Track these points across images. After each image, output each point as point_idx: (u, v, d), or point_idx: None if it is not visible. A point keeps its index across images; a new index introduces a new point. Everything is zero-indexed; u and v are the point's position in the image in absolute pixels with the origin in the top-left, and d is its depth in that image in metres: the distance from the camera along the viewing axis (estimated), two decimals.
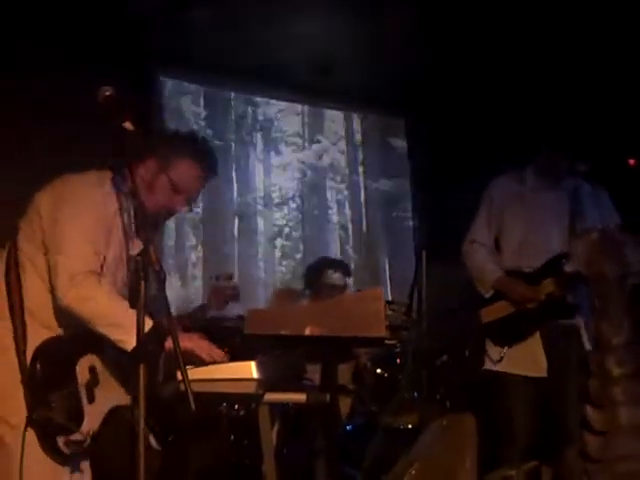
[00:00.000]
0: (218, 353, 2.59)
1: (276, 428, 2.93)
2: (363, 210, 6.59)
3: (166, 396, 2.48)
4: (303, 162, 6.34)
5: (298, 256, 6.16)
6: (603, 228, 3.39)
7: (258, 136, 6.17)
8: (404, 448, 2.98)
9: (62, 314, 2.42)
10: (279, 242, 6.12)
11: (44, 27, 4.74)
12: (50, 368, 2.37)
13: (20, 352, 2.37)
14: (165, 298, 2.19)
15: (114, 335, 2.34)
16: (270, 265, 6.07)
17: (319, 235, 6.34)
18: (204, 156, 2.72)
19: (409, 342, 4.25)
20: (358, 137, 6.69)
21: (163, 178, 2.60)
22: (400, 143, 6.75)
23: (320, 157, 6.44)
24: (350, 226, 6.52)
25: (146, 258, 2.15)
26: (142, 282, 2.14)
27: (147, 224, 2.32)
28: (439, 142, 6.11)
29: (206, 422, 3.78)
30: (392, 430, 3.95)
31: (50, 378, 2.36)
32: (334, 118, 6.60)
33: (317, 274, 4.74)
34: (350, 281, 4.92)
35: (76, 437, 2.36)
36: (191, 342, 2.54)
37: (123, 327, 2.28)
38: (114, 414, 2.51)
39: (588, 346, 3.58)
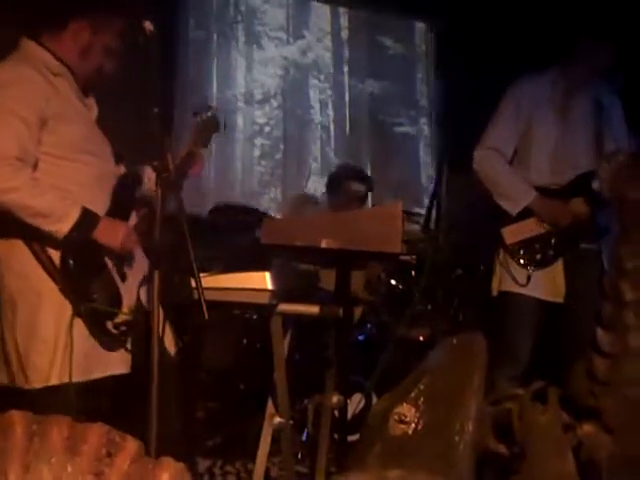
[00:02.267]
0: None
1: (288, 336, 2.95)
2: (347, 111, 6.34)
3: (180, 300, 2.51)
4: (286, 58, 6.09)
5: (278, 156, 6.00)
6: (633, 151, 3.28)
7: (239, 28, 5.90)
8: (415, 360, 3.01)
9: None
10: (258, 141, 5.95)
11: None
12: (82, 260, 2.40)
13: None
14: (181, 203, 2.18)
15: (44, 225, 2.31)
16: (248, 164, 5.92)
17: (300, 135, 6.15)
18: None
19: (425, 255, 4.24)
20: (345, 34, 6.36)
21: (97, 46, 2.51)
22: (390, 43, 6.44)
23: (304, 53, 6.19)
24: (332, 127, 6.30)
25: (161, 165, 2.13)
26: (159, 190, 2.14)
27: (164, 131, 2.26)
28: (464, 50, 5.88)
29: (219, 325, 3.84)
30: (404, 341, 3.99)
31: (84, 269, 2.40)
32: (320, 13, 6.28)
33: (338, 182, 4.72)
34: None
35: (120, 319, 2.44)
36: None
37: (51, 216, 2.28)
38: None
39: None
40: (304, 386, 3.13)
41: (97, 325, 2.41)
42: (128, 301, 2.50)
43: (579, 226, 3.44)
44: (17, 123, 2.32)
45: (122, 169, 2.66)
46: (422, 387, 2.62)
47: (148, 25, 2.23)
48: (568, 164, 3.49)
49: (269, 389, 2.92)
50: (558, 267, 3.45)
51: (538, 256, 3.44)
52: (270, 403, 2.92)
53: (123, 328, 2.46)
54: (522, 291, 3.43)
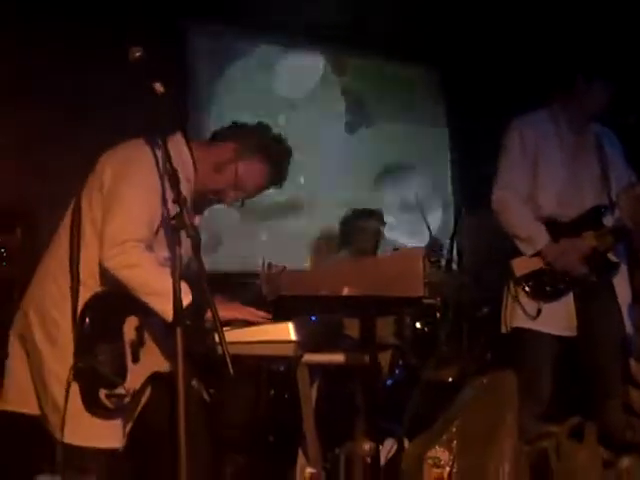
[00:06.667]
0: (263, 314, 2.59)
1: (316, 385, 2.93)
2: None
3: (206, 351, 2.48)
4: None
5: None
6: None
7: None
8: (445, 402, 2.97)
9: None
10: None
11: None
12: (99, 321, 2.38)
13: (74, 305, 2.39)
14: (201, 263, 2.17)
15: (156, 304, 2.32)
16: None
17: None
18: (279, 165, 2.72)
19: (449, 296, 4.21)
20: None
21: (232, 167, 2.63)
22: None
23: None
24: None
25: (180, 222, 2.14)
26: (177, 247, 2.14)
27: (180, 188, 2.27)
28: (474, 96, 5.93)
29: (246, 377, 3.82)
30: (432, 384, 3.94)
31: (98, 331, 2.37)
32: None
33: (349, 223, 4.84)
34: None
35: (119, 391, 2.36)
36: (234, 311, 2.54)
37: (167, 296, 2.25)
38: (155, 380, 2.52)
39: (621, 302, 3.43)
40: (335, 435, 3.08)
41: (90, 390, 2.34)
42: (132, 384, 2.42)
43: (593, 259, 3.40)
44: (150, 205, 2.42)
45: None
46: (454, 429, 2.60)
47: (158, 87, 2.25)
48: (576, 198, 3.48)
49: (299, 440, 2.89)
50: (569, 301, 3.41)
51: (548, 288, 3.41)
52: (301, 454, 2.89)
53: (117, 403, 2.36)
54: (533, 327, 3.39)
